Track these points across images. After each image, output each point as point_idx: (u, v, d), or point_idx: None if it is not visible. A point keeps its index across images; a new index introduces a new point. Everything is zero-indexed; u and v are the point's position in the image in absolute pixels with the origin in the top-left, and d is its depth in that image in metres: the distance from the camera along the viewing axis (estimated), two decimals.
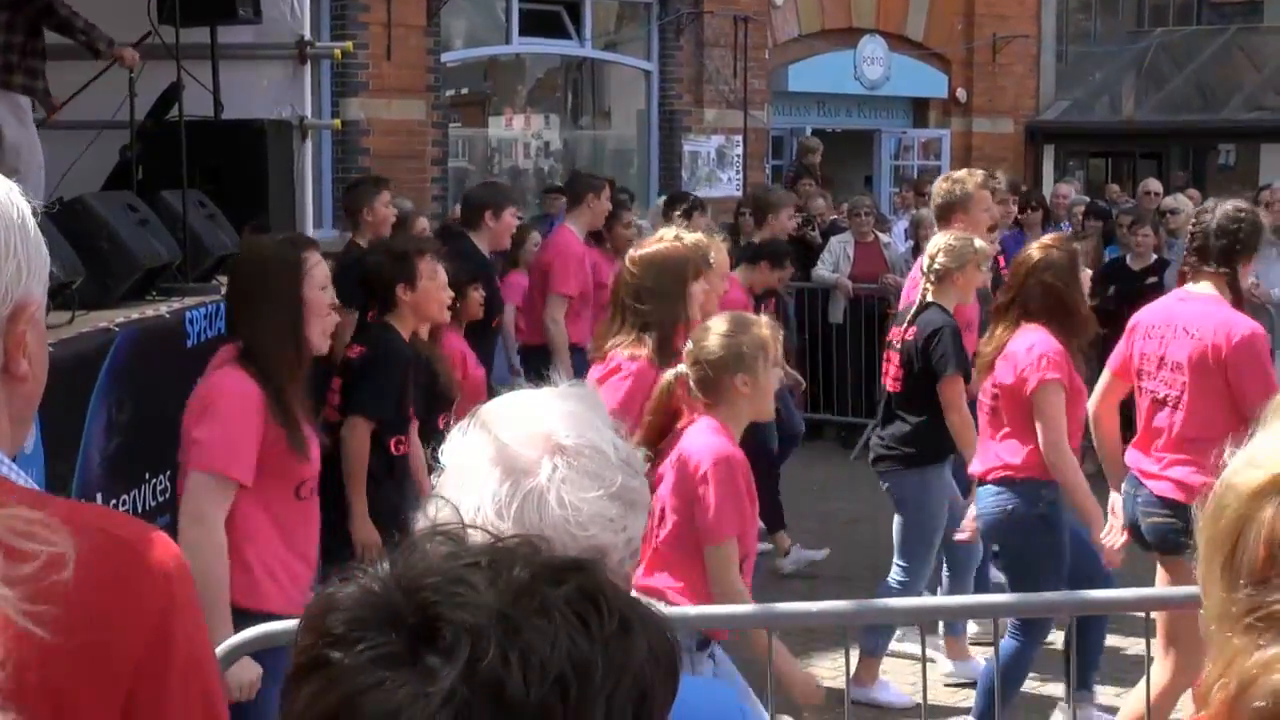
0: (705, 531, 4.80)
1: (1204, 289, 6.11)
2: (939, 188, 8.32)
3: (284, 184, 9.11)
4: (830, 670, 7.58)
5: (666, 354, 5.61)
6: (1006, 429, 6.48)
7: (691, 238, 6.32)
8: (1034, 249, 6.57)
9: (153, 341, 6.43)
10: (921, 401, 7.17)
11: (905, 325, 7.35)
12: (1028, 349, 6.33)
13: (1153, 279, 12.13)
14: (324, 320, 5.01)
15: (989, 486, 6.58)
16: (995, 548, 7.07)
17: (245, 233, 7.70)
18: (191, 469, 4.79)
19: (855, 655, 6.79)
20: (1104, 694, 7.17)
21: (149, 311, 6.83)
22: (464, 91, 19.50)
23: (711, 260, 6.31)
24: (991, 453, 6.57)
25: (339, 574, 1.37)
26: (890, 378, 7.50)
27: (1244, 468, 1.50)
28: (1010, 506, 6.47)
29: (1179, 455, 5.95)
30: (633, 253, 6.17)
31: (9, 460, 1.79)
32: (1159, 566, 6.07)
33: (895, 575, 7.38)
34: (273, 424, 4.79)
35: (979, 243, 7.27)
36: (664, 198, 13.37)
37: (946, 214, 8.07)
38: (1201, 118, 22.82)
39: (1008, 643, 6.37)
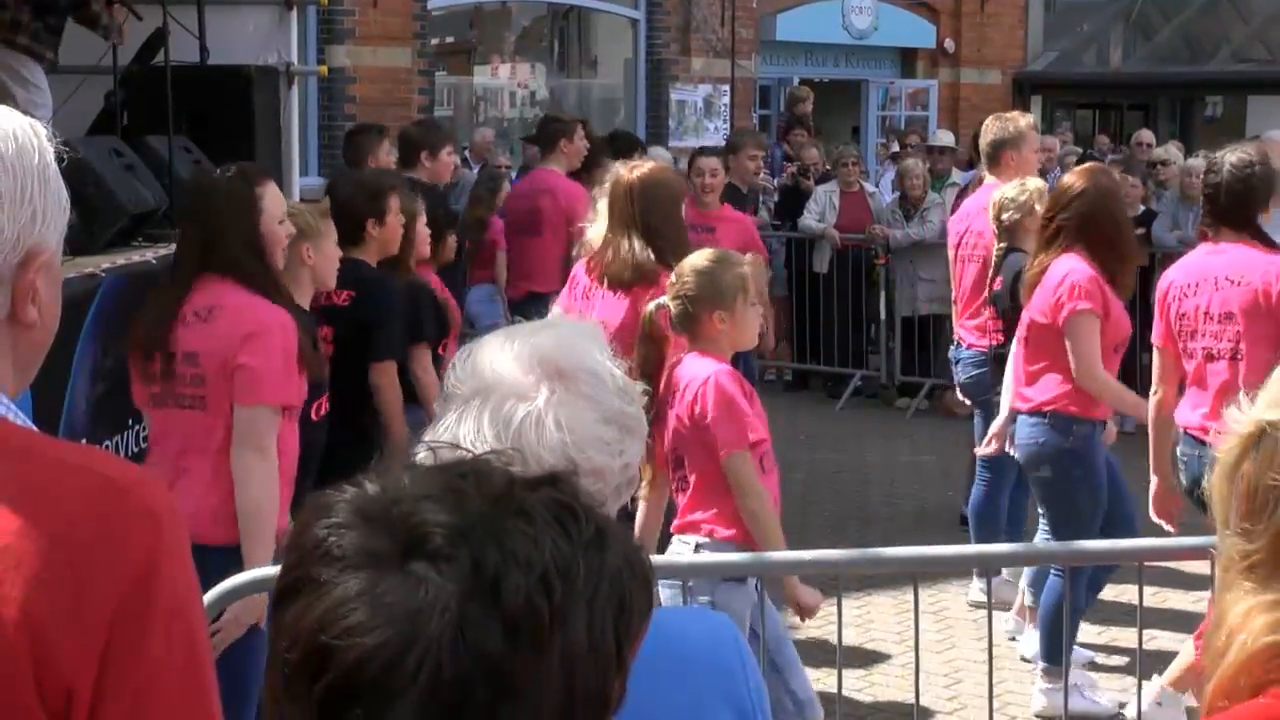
0: (720, 447, 4.85)
1: (1231, 241, 5.97)
2: (989, 126, 8.21)
3: (270, 130, 9.06)
4: (820, 619, 7.59)
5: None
6: (1040, 360, 6.40)
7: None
8: (1074, 176, 6.49)
9: (138, 287, 6.39)
10: None
11: (992, 276, 7.33)
12: (1061, 278, 6.24)
13: (1140, 230, 12.12)
14: (283, 252, 5.03)
15: (1024, 418, 6.50)
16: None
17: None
18: (249, 402, 4.77)
19: (846, 604, 6.78)
20: (1098, 637, 7.21)
21: (135, 257, 6.81)
22: (450, 39, 19.42)
23: None
24: (1026, 384, 6.49)
25: (320, 494, 1.37)
26: (990, 332, 7.47)
27: (1238, 420, 1.53)
28: (1042, 439, 6.40)
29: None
30: (630, 175, 6.28)
31: (9, 401, 1.80)
32: None
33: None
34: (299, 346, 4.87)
35: (1032, 181, 7.19)
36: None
37: (998, 152, 7.98)
38: (1189, 69, 22.78)
39: (1052, 580, 6.38)
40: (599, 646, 1.30)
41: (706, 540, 4.87)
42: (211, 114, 8.60)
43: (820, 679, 6.88)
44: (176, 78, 8.14)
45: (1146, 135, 15.56)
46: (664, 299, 5.08)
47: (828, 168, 14.41)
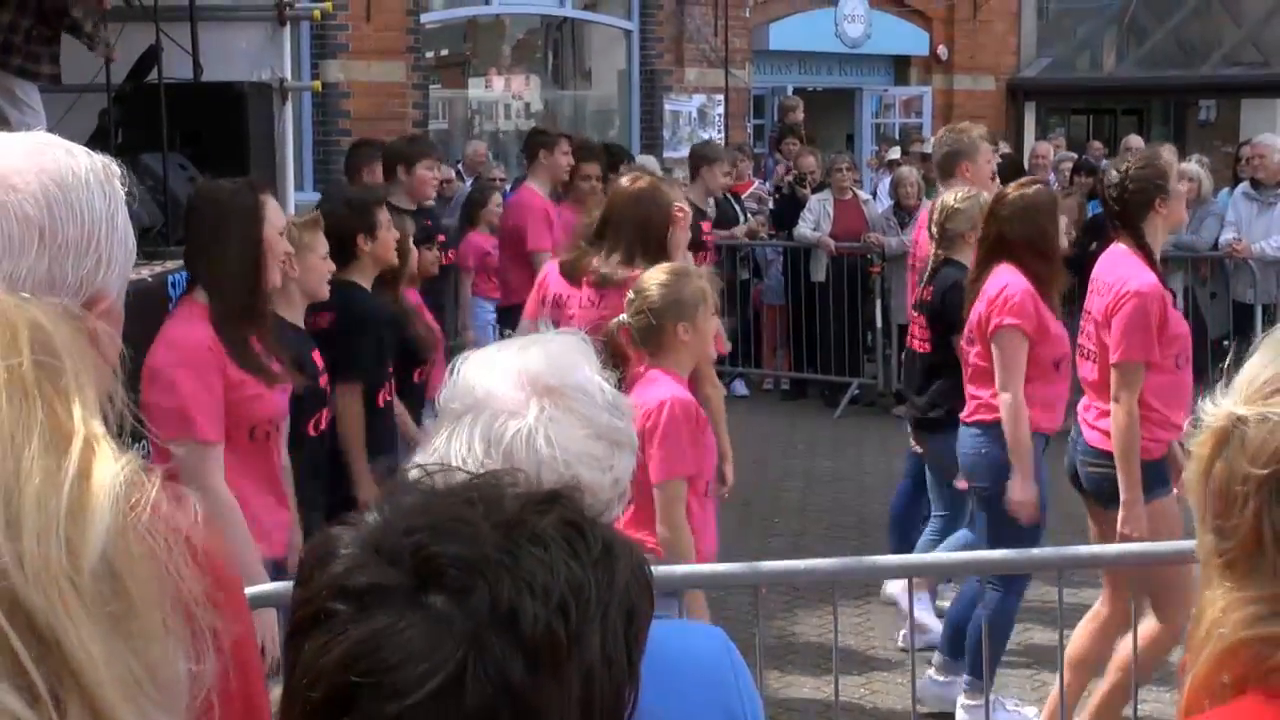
0: (654, 471, 4.85)
1: (1120, 245, 6.15)
2: (941, 138, 8.16)
3: (264, 146, 9.07)
4: (817, 627, 7.61)
5: None
6: (982, 371, 6.41)
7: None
8: (1011, 189, 6.49)
9: (135, 305, 6.37)
10: (953, 360, 6.94)
11: (923, 285, 7.28)
12: (998, 290, 6.27)
13: None
14: (281, 264, 5.03)
15: (967, 428, 6.54)
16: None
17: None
18: (165, 440, 4.76)
19: (845, 610, 6.80)
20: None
21: (131, 275, 6.80)
22: (444, 53, 19.42)
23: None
24: (970, 394, 6.53)
25: (330, 525, 1.38)
26: (917, 339, 7.38)
27: (1210, 413, 1.54)
28: (985, 450, 6.40)
29: (1107, 406, 5.99)
30: (624, 186, 6.40)
31: None
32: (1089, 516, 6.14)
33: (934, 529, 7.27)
34: (231, 367, 4.79)
35: (984, 196, 7.16)
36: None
37: (951, 164, 7.86)
38: (1182, 73, 22.80)
39: (989, 595, 6.37)
40: (613, 659, 1.32)
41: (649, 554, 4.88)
42: (206, 131, 8.61)
43: (819, 686, 6.91)
44: (170, 95, 8.15)
45: (1135, 141, 15.56)
46: (624, 317, 5.09)
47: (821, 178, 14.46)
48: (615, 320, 5.11)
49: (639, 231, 6.21)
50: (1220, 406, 1.52)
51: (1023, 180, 6.77)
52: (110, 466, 1.09)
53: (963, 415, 6.60)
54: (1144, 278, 5.98)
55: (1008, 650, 6.95)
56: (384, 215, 6.36)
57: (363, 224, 6.24)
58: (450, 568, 1.28)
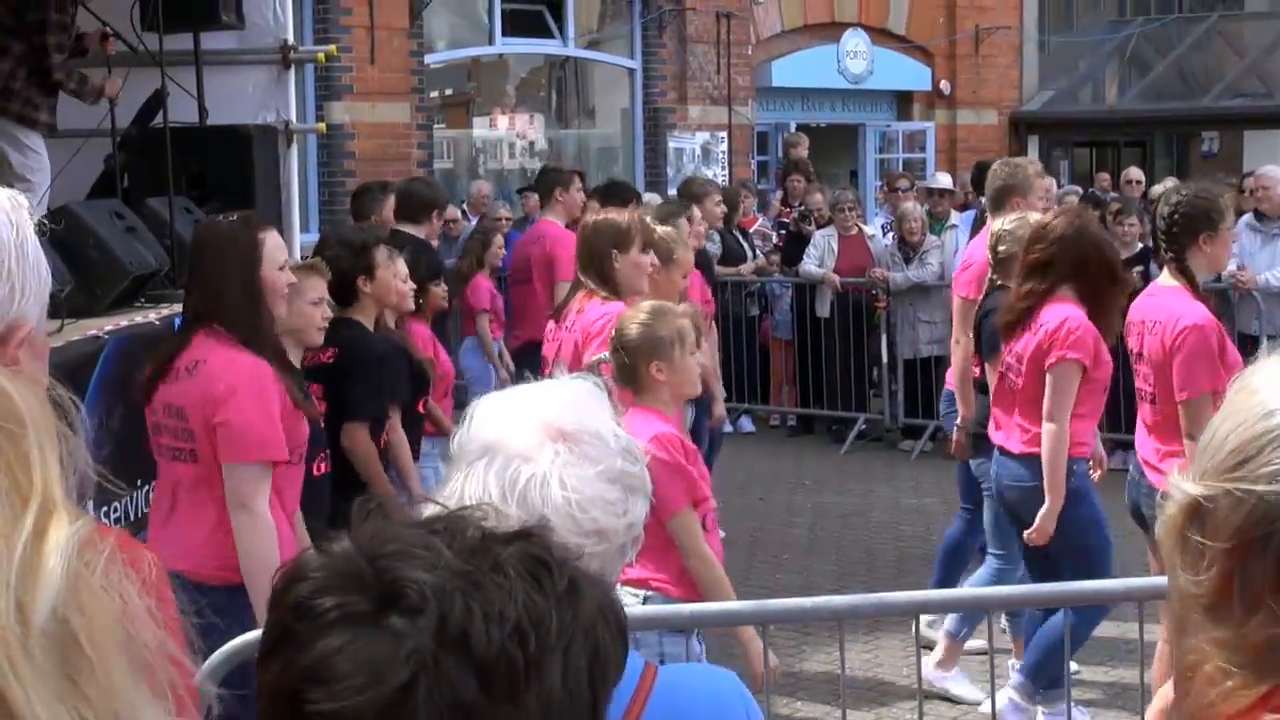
0: (660, 509, 4.83)
1: (1166, 280, 6.17)
2: (997, 171, 8.14)
3: (270, 189, 9.09)
4: (825, 664, 7.60)
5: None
6: (1033, 401, 6.33)
7: (662, 229, 7.05)
8: (1059, 217, 6.48)
9: (143, 348, 6.42)
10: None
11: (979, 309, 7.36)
12: (1059, 323, 6.21)
13: (1138, 268, 12.17)
14: (283, 300, 5.07)
15: (1016, 460, 6.45)
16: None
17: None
18: (230, 459, 4.81)
19: (855, 644, 6.80)
20: (1105, 676, 7.21)
21: (138, 319, 6.84)
22: (448, 93, 19.50)
23: (676, 257, 7.02)
24: (1016, 425, 6.45)
25: (301, 551, 1.41)
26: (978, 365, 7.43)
27: (1177, 487, 1.56)
28: (1037, 482, 6.31)
29: (1171, 448, 5.97)
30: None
31: None
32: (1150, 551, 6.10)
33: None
34: (284, 395, 4.89)
35: (1034, 216, 7.17)
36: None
37: (1003, 198, 7.89)
38: (1184, 105, 22.84)
39: (1056, 618, 6.36)
40: (575, 693, 1.32)
41: (655, 594, 4.87)
42: (211, 174, 8.65)
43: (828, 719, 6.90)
44: (176, 139, 8.19)
45: (1135, 173, 15.65)
46: (605, 354, 5.11)
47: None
48: (595, 357, 5.14)
49: (583, 261, 6.49)
50: (1188, 480, 1.54)
51: (1064, 208, 6.80)
52: (65, 528, 1.10)
53: (1012, 446, 6.50)
54: (1196, 310, 5.98)
55: (1094, 684, 7.05)
56: (382, 255, 6.39)
57: (361, 265, 6.29)
58: (409, 590, 1.29)
